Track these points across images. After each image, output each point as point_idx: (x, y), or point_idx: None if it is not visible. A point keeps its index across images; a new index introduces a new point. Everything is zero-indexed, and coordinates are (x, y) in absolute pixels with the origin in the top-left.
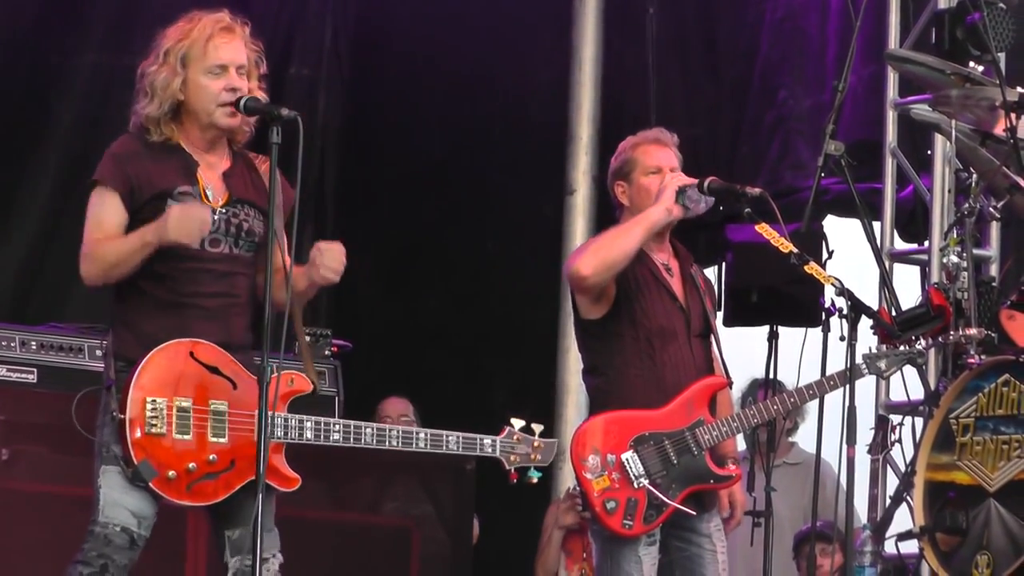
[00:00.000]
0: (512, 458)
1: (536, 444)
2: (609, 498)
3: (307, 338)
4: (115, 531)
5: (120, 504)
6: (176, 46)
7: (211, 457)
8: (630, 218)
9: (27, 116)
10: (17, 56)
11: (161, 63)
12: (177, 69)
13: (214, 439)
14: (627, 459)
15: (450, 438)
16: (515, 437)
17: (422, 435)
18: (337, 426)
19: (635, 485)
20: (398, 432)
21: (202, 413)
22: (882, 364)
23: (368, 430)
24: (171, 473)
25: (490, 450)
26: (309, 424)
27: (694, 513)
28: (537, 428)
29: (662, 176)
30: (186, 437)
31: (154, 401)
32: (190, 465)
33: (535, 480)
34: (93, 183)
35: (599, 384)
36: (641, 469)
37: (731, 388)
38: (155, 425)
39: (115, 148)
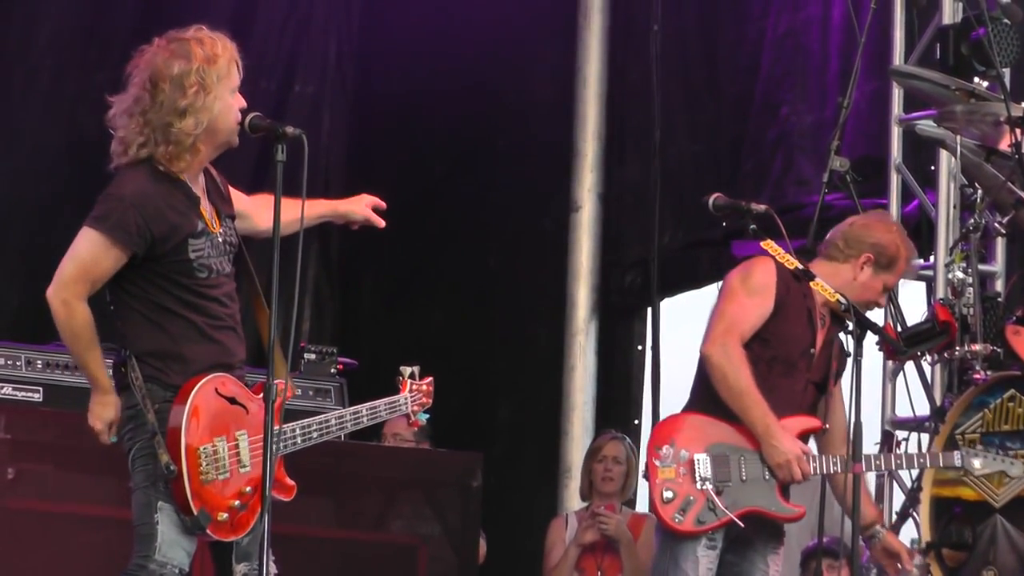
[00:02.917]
0: (415, 408)
1: (425, 388)
2: (668, 488)
3: (279, 342)
4: (173, 572)
5: (179, 544)
6: (212, 67)
7: (247, 489)
8: (841, 280)
9: (51, 133)
10: (39, 71)
11: (199, 84)
12: (216, 90)
13: (243, 470)
14: (699, 459)
15: (381, 407)
16: (414, 388)
17: (363, 411)
18: (314, 424)
19: (698, 486)
20: (349, 414)
21: (233, 448)
22: (977, 463)
23: (333, 421)
24: (222, 516)
25: (405, 408)
26: (298, 430)
27: (743, 526)
28: (416, 370)
29: (884, 298)
30: (225, 476)
31: (204, 449)
32: (235, 503)
33: (423, 422)
34: (96, 223)
35: (707, 383)
36: (708, 473)
37: (824, 434)
38: (207, 473)
39: (131, 195)
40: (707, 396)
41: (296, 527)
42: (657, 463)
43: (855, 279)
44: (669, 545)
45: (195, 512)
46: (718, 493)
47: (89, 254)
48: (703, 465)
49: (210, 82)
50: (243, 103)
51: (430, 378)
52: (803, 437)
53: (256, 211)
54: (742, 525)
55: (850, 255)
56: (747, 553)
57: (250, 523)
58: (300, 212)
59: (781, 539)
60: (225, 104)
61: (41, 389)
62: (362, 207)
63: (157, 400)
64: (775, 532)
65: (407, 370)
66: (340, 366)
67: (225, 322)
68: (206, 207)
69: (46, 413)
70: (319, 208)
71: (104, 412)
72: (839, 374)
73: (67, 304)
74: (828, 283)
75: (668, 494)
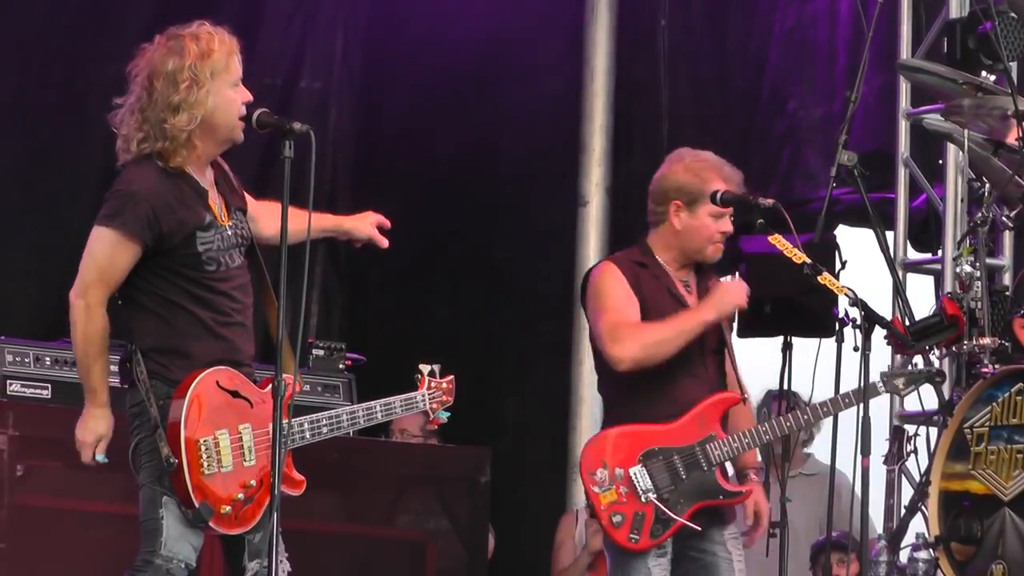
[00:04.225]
0: (434, 406)
1: (445, 386)
2: (616, 512)
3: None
4: (179, 567)
5: (184, 539)
6: (205, 62)
7: (251, 482)
8: (671, 236)
9: (65, 125)
10: (52, 64)
11: (192, 79)
12: (209, 84)
13: (248, 464)
14: (635, 473)
15: (396, 403)
16: (433, 385)
17: (376, 407)
18: (323, 420)
19: (642, 499)
20: (362, 410)
21: (237, 442)
22: (899, 382)
23: (344, 417)
24: (225, 509)
25: (423, 405)
26: (306, 425)
27: (699, 529)
28: (437, 368)
29: (724, 223)
30: (228, 469)
31: (205, 441)
32: (238, 496)
33: (444, 420)
34: (109, 221)
35: (612, 397)
36: (649, 484)
37: (746, 403)
38: (208, 466)
39: (139, 189)
40: (620, 405)
41: (304, 522)
42: (596, 490)
43: (681, 230)
44: (619, 561)
45: (196, 505)
46: (664, 501)
47: (105, 254)
48: (641, 478)
49: (203, 77)
50: (248, 96)
51: (451, 376)
52: (723, 416)
53: (262, 217)
54: (697, 528)
55: (663, 211)
56: (705, 544)
57: (256, 516)
58: (307, 223)
59: (732, 520)
60: (223, 98)
61: (49, 386)
62: (367, 225)
63: (161, 396)
64: (725, 516)
65: (426, 367)
66: (348, 362)
67: (233, 318)
68: (215, 199)
69: (54, 410)
70: (324, 222)
71: (97, 425)
72: (730, 325)
73: (89, 309)
74: (667, 248)
75: (617, 518)
